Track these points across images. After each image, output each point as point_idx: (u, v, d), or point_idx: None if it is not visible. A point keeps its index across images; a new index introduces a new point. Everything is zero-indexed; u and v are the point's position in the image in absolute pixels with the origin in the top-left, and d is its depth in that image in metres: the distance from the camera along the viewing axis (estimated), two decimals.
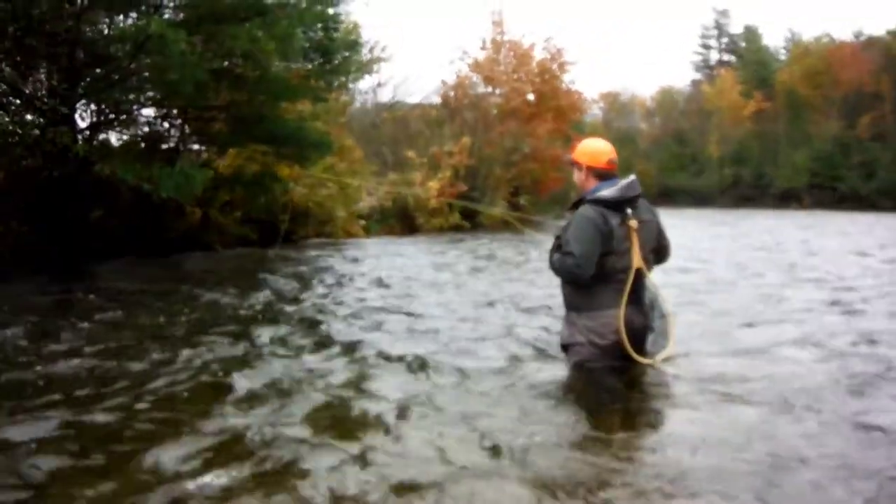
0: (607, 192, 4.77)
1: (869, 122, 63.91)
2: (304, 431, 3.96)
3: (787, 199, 64.66)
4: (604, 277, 4.73)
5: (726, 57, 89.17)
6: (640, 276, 4.79)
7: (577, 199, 4.99)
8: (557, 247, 4.90)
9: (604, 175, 4.93)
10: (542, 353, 5.73)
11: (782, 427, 4.00)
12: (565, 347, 5.07)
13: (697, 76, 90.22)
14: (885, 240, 20.46)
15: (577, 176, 5.08)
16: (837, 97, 67.09)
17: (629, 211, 4.78)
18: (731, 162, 73.86)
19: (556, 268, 4.87)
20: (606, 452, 3.64)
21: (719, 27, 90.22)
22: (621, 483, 3.27)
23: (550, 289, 7.87)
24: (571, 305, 4.99)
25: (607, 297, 4.75)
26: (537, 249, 14.89)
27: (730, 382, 4.87)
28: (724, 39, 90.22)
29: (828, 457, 3.55)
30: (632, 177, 4.89)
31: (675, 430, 4.03)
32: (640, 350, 4.80)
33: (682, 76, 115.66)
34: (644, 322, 4.84)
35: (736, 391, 4.68)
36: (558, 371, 5.11)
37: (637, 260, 4.76)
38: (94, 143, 13.52)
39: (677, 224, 22.84)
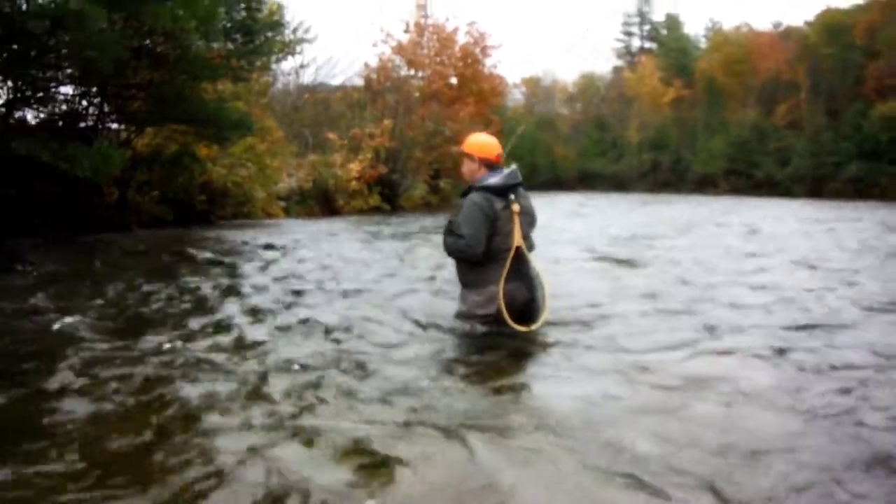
0: (493, 180, 5.45)
1: (785, 109, 65.72)
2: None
3: (704, 184, 66.24)
4: (491, 256, 5.38)
5: (647, 44, 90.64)
6: (519, 254, 5.42)
7: (468, 187, 5.62)
8: (449, 231, 5.49)
9: (493, 166, 5.61)
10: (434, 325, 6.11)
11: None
12: (459, 318, 5.68)
13: (619, 63, 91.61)
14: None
15: (469, 166, 5.70)
16: (755, 85, 68.95)
17: (512, 196, 5.45)
18: (650, 147, 75.36)
19: (450, 249, 5.51)
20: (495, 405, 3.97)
21: (641, 15, 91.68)
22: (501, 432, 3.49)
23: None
24: (464, 282, 5.64)
25: (493, 273, 5.39)
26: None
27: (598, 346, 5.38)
28: (646, 27, 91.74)
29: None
30: (514, 166, 5.58)
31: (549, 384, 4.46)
32: (528, 320, 5.37)
33: (603, 63, 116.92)
34: (527, 295, 5.42)
35: (600, 352, 5.21)
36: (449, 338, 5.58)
37: (518, 239, 5.41)
38: (10, 120, 13.37)
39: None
